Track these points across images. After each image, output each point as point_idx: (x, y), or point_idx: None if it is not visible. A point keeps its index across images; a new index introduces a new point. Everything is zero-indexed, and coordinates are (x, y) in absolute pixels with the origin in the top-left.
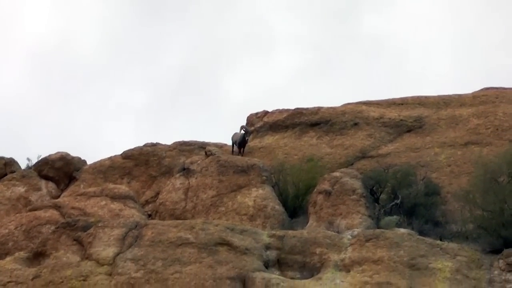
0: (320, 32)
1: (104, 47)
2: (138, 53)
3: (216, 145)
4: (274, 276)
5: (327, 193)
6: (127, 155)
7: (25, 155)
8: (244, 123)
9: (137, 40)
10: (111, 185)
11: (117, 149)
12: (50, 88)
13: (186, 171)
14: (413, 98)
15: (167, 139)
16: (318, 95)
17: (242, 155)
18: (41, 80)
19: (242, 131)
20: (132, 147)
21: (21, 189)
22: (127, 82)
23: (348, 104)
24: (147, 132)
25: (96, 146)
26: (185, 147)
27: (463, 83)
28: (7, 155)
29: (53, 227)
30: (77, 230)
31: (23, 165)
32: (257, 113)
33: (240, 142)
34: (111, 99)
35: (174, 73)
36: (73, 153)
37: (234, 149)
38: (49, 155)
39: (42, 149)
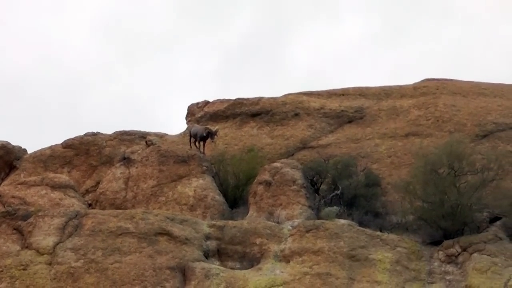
0: None
1: (172, 14)
2: (205, 19)
3: (157, 134)
4: (214, 266)
5: (268, 184)
6: (68, 144)
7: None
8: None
9: (205, 6)
10: (51, 174)
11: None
12: (116, 55)
13: (126, 161)
14: (354, 89)
15: None
16: (385, 65)
17: (203, 152)
18: (106, 47)
19: (206, 131)
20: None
21: None
22: (195, 49)
23: (289, 94)
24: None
25: (161, 116)
26: (125, 137)
27: None
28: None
29: None
30: (17, 219)
31: None
32: (197, 103)
33: (202, 137)
34: (179, 67)
35: (241, 40)
36: (139, 122)
37: (192, 141)
38: None
39: (103, 117)
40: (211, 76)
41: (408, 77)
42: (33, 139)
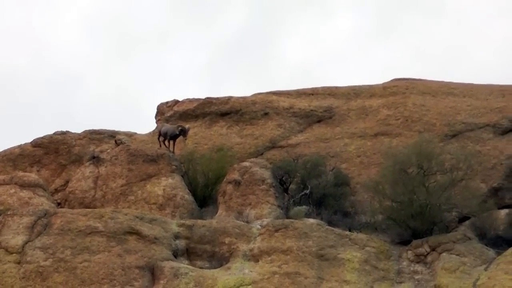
0: None
1: (163, 8)
2: (196, 15)
3: (126, 133)
4: (182, 265)
5: (237, 183)
6: (37, 143)
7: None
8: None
9: (195, 2)
10: (20, 173)
11: None
12: (108, 52)
13: (95, 160)
14: (323, 88)
15: None
16: (376, 60)
17: (173, 151)
18: (98, 44)
19: (179, 129)
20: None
21: None
22: (186, 45)
23: (259, 94)
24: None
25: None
26: (95, 136)
27: None
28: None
29: None
30: None
31: None
32: (167, 102)
33: (173, 136)
34: (170, 63)
35: (232, 36)
36: (128, 116)
37: (161, 140)
38: None
39: (95, 113)
40: (202, 72)
41: (398, 74)
42: (23, 136)
